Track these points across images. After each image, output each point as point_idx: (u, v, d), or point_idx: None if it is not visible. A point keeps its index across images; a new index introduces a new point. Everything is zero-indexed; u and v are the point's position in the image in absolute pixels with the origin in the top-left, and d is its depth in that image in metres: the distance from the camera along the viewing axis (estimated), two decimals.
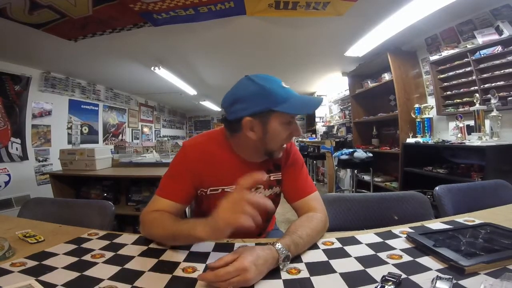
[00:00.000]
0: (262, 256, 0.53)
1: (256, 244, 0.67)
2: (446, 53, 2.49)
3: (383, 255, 0.60)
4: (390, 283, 0.47)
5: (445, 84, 2.57)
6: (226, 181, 0.84)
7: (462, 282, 0.47)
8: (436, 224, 0.79)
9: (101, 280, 0.52)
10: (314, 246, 0.67)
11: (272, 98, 0.72)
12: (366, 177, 3.45)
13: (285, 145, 0.81)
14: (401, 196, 1.05)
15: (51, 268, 0.57)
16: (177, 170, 0.82)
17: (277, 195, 0.94)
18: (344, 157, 3.17)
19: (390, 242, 0.67)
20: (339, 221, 0.99)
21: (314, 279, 0.52)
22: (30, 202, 1.10)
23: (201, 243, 0.70)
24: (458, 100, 2.47)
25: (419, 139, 2.60)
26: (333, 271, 0.54)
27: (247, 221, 0.51)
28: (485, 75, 2.19)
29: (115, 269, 0.57)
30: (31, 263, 0.59)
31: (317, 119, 5.71)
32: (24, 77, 3.27)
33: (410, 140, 2.68)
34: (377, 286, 0.47)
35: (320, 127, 5.63)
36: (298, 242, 0.62)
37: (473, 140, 2.06)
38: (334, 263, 0.58)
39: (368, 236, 0.72)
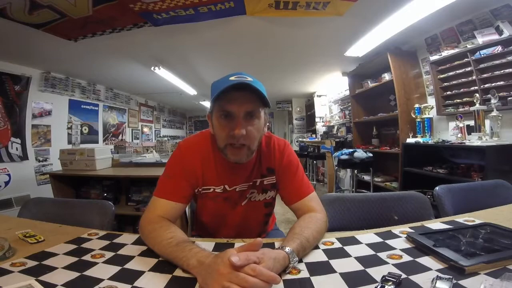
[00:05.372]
0: (277, 265, 0.52)
1: None
2: (446, 53, 2.49)
3: (383, 255, 0.60)
4: (390, 283, 0.47)
5: (445, 84, 2.57)
6: (216, 181, 0.84)
7: (462, 282, 0.46)
8: (436, 224, 0.79)
9: (101, 280, 0.52)
10: (314, 246, 0.67)
11: (213, 92, 0.74)
12: (366, 177, 3.45)
13: (234, 145, 0.73)
14: (401, 196, 1.05)
15: (51, 268, 0.57)
16: (173, 170, 0.82)
17: (272, 198, 0.93)
18: (344, 157, 3.17)
19: (390, 242, 0.67)
20: (339, 221, 0.99)
21: (314, 279, 0.52)
22: (30, 202, 1.10)
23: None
24: (458, 100, 2.47)
25: (419, 139, 2.60)
26: (333, 271, 0.54)
27: None
28: (485, 75, 2.19)
29: (115, 269, 0.57)
30: (31, 263, 0.59)
31: (317, 119, 5.71)
32: (24, 77, 3.27)
33: (410, 140, 2.68)
34: (377, 286, 0.47)
35: (320, 127, 5.63)
36: (306, 246, 0.62)
37: (473, 140, 2.06)
38: (334, 263, 0.58)
39: (368, 236, 0.72)
